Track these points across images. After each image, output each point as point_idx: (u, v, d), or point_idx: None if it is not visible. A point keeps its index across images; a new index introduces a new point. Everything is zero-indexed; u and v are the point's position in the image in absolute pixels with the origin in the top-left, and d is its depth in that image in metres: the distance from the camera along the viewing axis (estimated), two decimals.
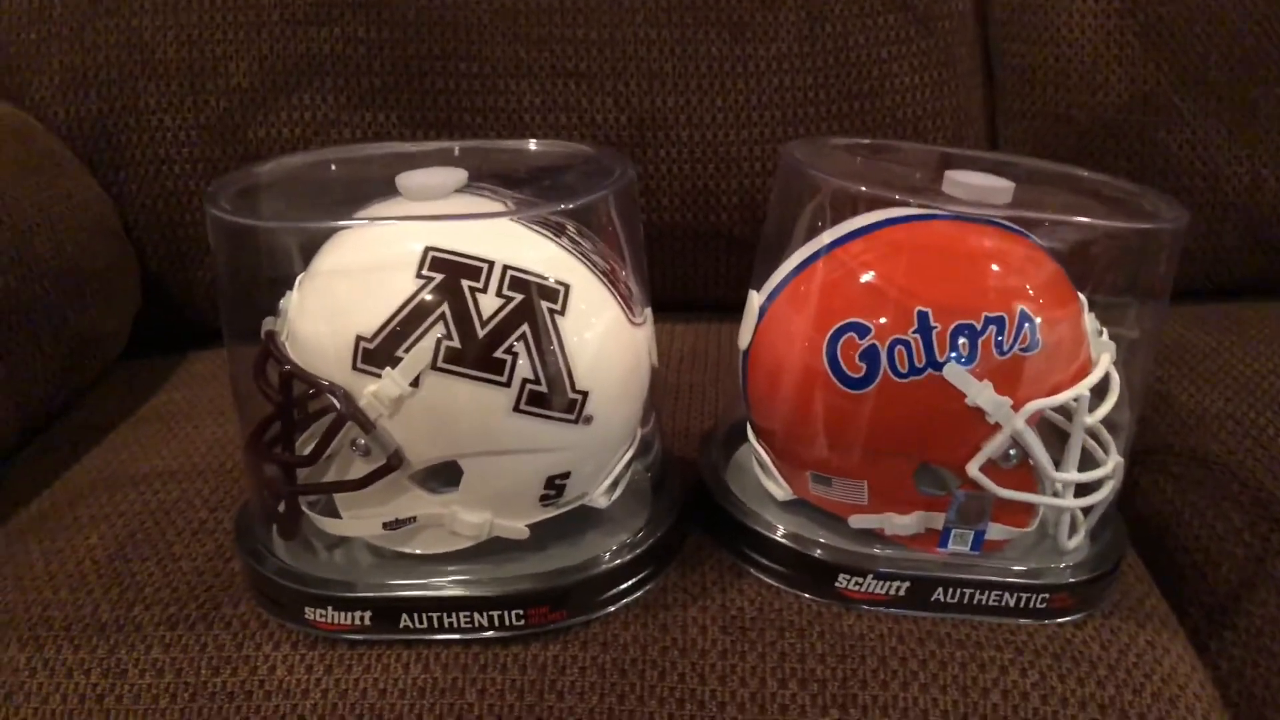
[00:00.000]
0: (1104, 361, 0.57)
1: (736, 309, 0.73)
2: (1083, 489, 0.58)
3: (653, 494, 0.63)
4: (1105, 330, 0.58)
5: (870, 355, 0.54)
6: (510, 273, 0.51)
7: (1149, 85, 0.95)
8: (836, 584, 0.57)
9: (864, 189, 0.58)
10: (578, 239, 0.55)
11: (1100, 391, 0.57)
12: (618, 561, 0.57)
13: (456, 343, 0.50)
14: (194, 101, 0.92)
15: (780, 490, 0.61)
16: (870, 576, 0.57)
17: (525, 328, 0.51)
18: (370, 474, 0.53)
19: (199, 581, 0.60)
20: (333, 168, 0.61)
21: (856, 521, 0.59)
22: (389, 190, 0.55)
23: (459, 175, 0.55)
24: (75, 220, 0.86)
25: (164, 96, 0.92)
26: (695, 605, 0.57)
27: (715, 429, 0.70)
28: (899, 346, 0.54)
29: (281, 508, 0.58)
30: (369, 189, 0.55)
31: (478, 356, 0.50)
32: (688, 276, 0.98)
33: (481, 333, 0.50)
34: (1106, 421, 0.58)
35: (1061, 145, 0.98)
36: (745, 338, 0.61)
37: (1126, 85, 0.96)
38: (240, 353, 0.58)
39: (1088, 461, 0.58)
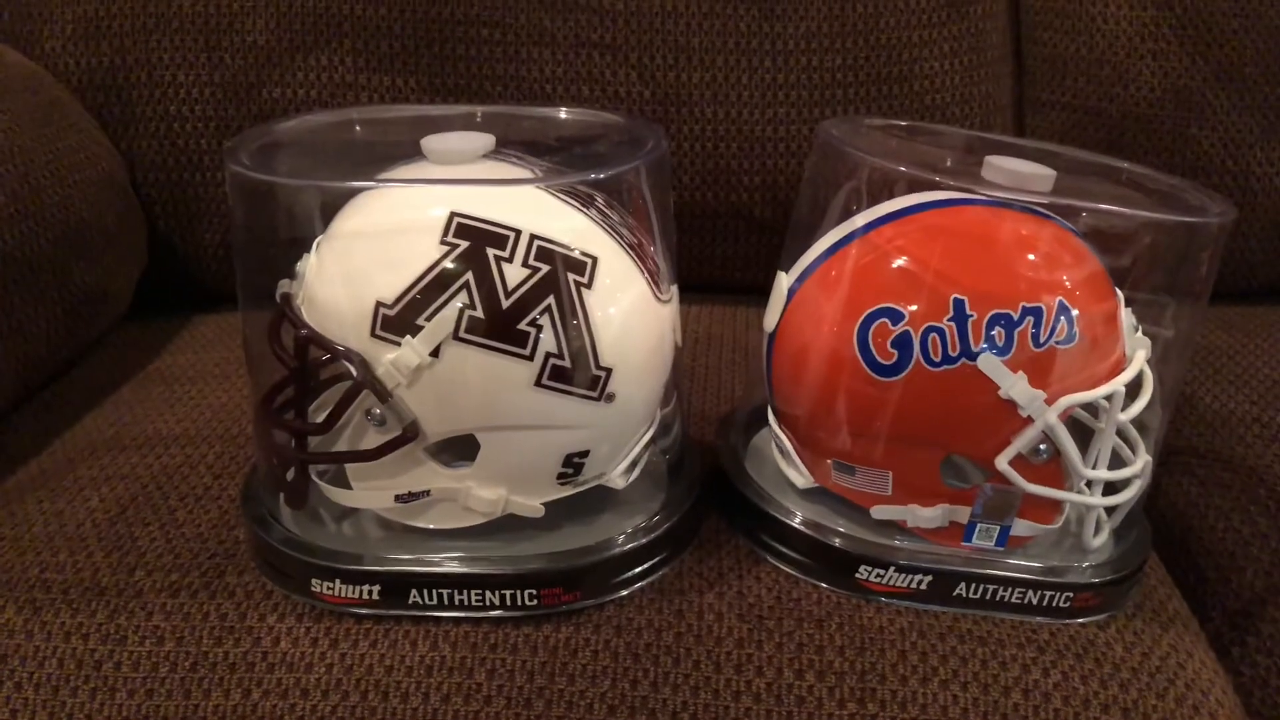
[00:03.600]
0: (1139, 358, 0.56)
1: (755, 291, 0.71)
2: (1109, 487, 0.57)
3: (670, 477, 0.61)
4: (1140, 327, 0.57)
5: (903, 342, 0.53)
6: (537, 242, 0.49)
7: (1183, 80, 0.93)
8: (857, 575, 0.56)
9: (903, 169, 0.56)
10: (606, 211, 0.53)
11: (1133, 389, 0.56)
12: (634, 544, 0.55)
13: (479, 313, 0.48)
14: (209, 58, 0.89)
15: (801, 478, 0.60)
16: (892, 569, 0.56)
17: (550, 300, 0.49)
18: (385, 444, 0.52)
19: (202, 549, 0.59)
20: (357, 128, 0.59)
21: (879, 512, 0.58)
22: (413, 153, 0.53)
23: (486, 140, 0.53)
24: (83, 175, 0.84)
25: (178, 52, 0.89)
26: (712, 591, 0.56)
27: (734, 412, 0.68)
28: (933, 334, 0.52)
29: (291, 476, 0.56)
30: (393, 151, 0.54)
31: (501, 328, 0.49)
32: (706, 257, 0.96)
33: (506, 303, 0.48)
34: (1135, 420, 0.57)
35: (1090, 137, 0.96)
36: (772, 320, 0.59)
37: (1160, 79, 0.94)
38: (255, 315, 0.56)
39: (1115, 460, 0.57)
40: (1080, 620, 0.56)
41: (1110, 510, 0.58)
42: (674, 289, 0.57)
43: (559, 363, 0.50)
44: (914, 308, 0.53)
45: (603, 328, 0.51)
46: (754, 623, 0.54)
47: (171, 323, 0.93)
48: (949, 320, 0.52)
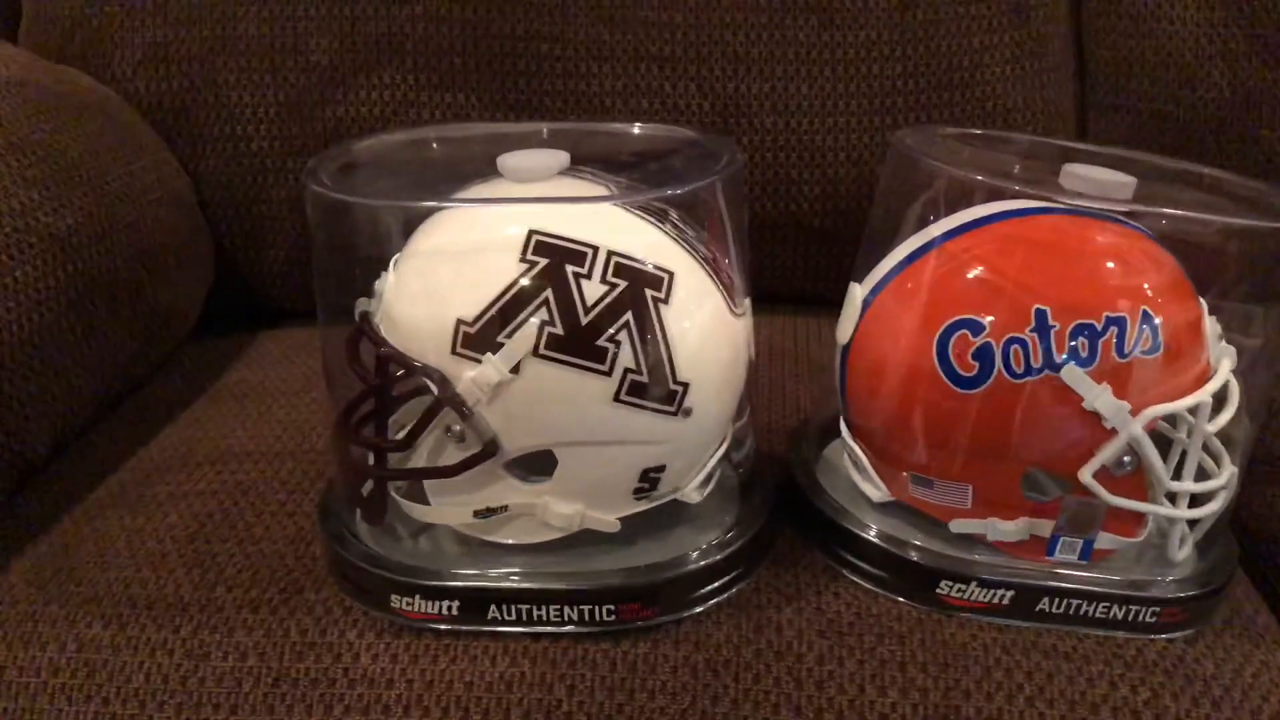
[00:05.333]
0: (1224, 368, 0.55)
1: (816, 302, 0.71)
2: (1194, 499, 0.56)
3: (742, 491, 0.61)
4: (1225, 336, 0.56)
5: (984, 354, 0.52)
6: (615, 259, 0.50)
7: (1252, 81, 0.91)
8: (938, 590, 0.55)
9: (980, 179, 0.55)
10: (681, 226, 0.53)
11: (1218, 399, 0.55)
12: (711, 559, 0.55)
13: (559, 329, 0.49)
14: (273, 79, 0.91)
15: (877, 491, 0.59)
16: (974, 583, 0.55)
17: (629, 315, 0.49)
18: (464, 461, 0.52)
19: (280, 564, 0.60)
20: (433, 146, 0.60)
21: (958, 526, 0.57)
22: (489, 170, 0.54)
23: (561, 157, 0.54)
24: (155, 196, 0.85)
25: (243, 74, 0.91)
26: (789, 607, 0.55)
27: (806, 425, 0.68)
28: (1015, 345, 0.52)
29: (368, 492, 0.57)
30: (468, 169, 0.54)
31: (580, 344, 0.49)
32: (767, 267, 0.96)
33: (585, 320, 0.49)
34: (1221, 432, 0.56)
35: (1156, 141, 0.95)
36: (846, 332, 0.59)
37: (1228, 81, 0.92)
38: (333, 332, 0.57)
39: (1199, 472, 0.56)
40: (1166, 636, 0.55)
41: (1194, 523, 0.57)
42: (748, 303, 0.57)
43: (637, 378, 0.50)
44: (995, 319, 0.52)
45: (679, 343, 0.51)
46: (834, 639, 0.54)
47: (238, 339, 0.94)
48: (1031, 331, 0.51)
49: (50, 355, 0.70)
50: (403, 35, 0.90)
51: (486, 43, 0.90)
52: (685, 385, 0.51)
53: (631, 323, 0.49)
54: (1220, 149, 0.93)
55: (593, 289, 0.49)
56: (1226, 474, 0.56)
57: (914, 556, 0.56)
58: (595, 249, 0.49)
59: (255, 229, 0.95)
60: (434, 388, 0.50)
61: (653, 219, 0.52)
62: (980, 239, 0.55)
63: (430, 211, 0.53)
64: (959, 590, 0.55)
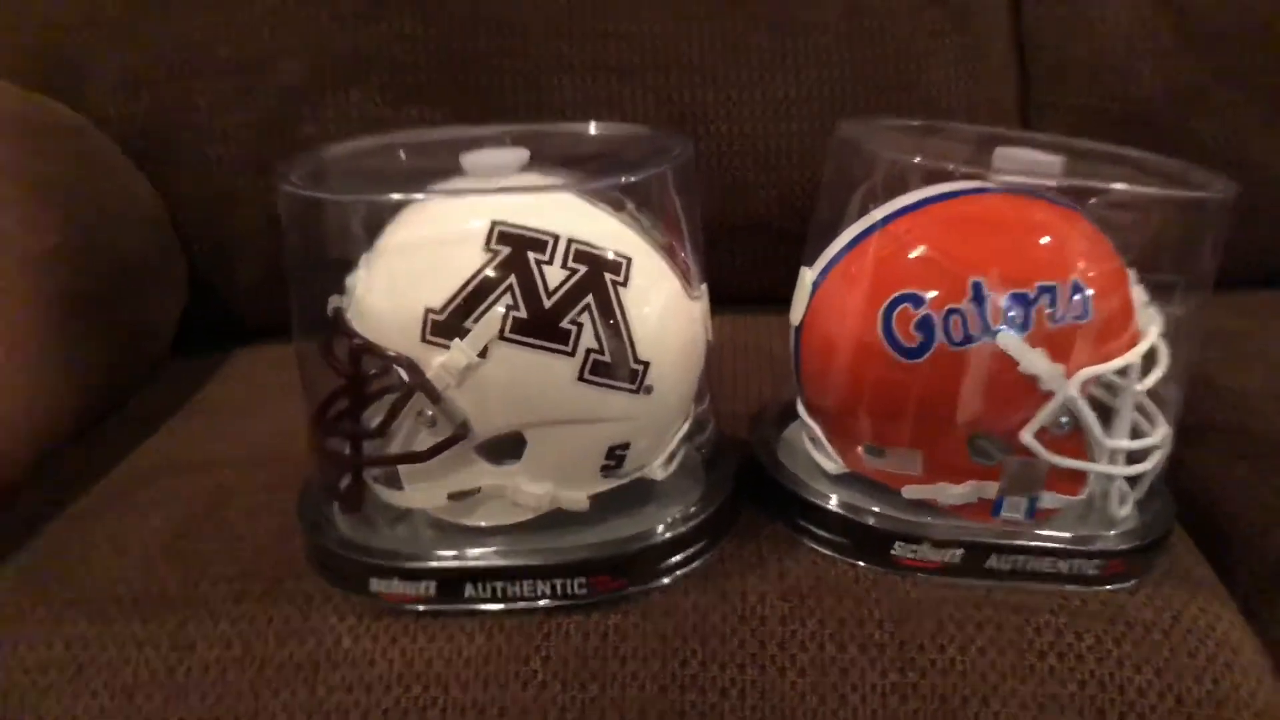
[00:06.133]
0: (1152, 332, 0.58)
1: (776, 300, 0.73)
2: (1132, 459, 0.59)
3: (706, 470, 0.64)
4: (1151, 303, 0.59)
5: (925, 325, 0.55)
6: (574, 245, 0.52)
7: (1183, 77, 0.96)
8: (892, 551, 0.58)
9: (917, 161, 0.59)
10: (636, 215, 0.56)
11: (1148, 362, 0.58)
12: (676, 531, 0.58)
13: (523, 313, 0.51)
14: (244, 100, 0.93)
15: (832, 464, 0.62)
16: (925, 544, 0.58)
17: (590, 298, 0.52)
18: (437, 445, 0.54)
19: (263, 558, 0.61)
20: (400, 150, 0.62)
21: (910, 492, 0.60)
22: (454, 171, 0.56)
23: (521, 154, 0.56)
24: (128, 217, 0.88)
25: (214, 95, 0.93)
26: (753, 574, 0.58)
27: (765, 410, 0.71)
28: (954, 316, 0.55)
29: (346, 481, 0.59)
30: (434, 169, 0.57)
31: (544, 326, 0.52)
32: (728, 269, 0.98)
33: (548, 303, 0.51)
34: (1153, 395, 0.59)
35: (1095, 136, 0.97)
36: (797, 314, 0.62)
37: (1161, 78, 0.97)
38: (307, 330, 0.59)
39: (1135, 433, 0.59)
40: (1109, 587, 0.58)
41: (1133, 482, 0.60)
42: (704, 287, 0.60)
43: (599, 358, 0.52)
44: (934, 293, 0.55)
45: (639, 324, 0.53)
46: (795, 601, 0.56)
47: (213, 357, 0.96)
48: (969, 302, 0.55)
49: (29, 376, 0.72)
50: (370, 54, 0.93)
51: (450, 59, 0.93)
52: (646, 364, 0.54)
53: (592, 305, 0.52)
54: (1155, 142, 0.95)
55: (554, 274, 0.52)
56: (1160, 433, 0.59)
57: (870, 521, 0.59)
58: (556, 237, 0.52)
59: (228, 248, 0.97)
60: (405, 375, 0.53)
61: (609, 209, 0.55)
62: (920, 219, 0.58)
63: (398, 208, 0.56)
64: (911, 551, 0.58)
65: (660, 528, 0.58)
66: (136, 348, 0.87)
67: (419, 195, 0.55)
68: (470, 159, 0.56)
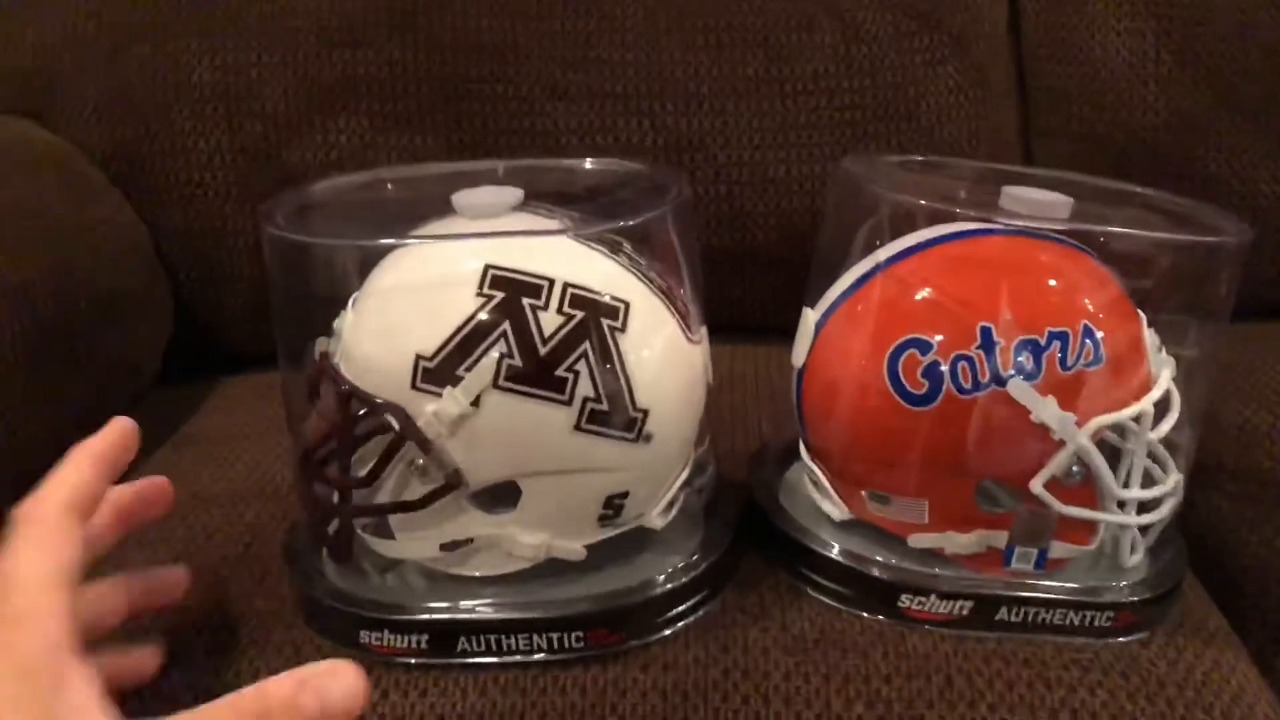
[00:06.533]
0: (1164, 377, 0.57)
1: (774, 331, 0.72)
2: (1143, 507, 0.57)
3: (705, 516, 0.62)
4: (1164, 347, 0.58)
5: (932, 372, 0.54)
6: (571, 290, 0.50)
7: (1185, 104, 0.95)
8: (899, 603, 0.56)
9: (923, 203, 0.57)
10: (634, 256, 0.54)
11: (1160, 409, 0.56)
12: (676, 582, 0.56)
13: (518, 361, 0.49)
14: (228, 126, 0.92)
15: (837, 510, 0.61)
16: (934, 595, 0.56)
17: (586, 345, 0.50)
18: (428, 494, 0.52)
19: (248, 607, 0.59)
20: (388, 186, 0.61)
21: (916, 541, 0.58)
22: (444, 209, 0.55)
23: (515, 194, 0.55)
24: (111, 245, 0.86)
25: (198, 122, 0.92)
26: (755, 626, 0.56)
27: (765, 449, 0.69)
28: (962, 363, 0.53)
29: (334, 530, 0.57)
30: (423, 208, 0.55)
31: (539, 374, 0.50)
32: (724, 299, 0.98)
33: (543, 350, 0.50)
34: (1164, 439, 0.57)
35: (1097, 165, 0.98)
36: (800, 355, 0.60)
37: (1163, 105, 0.96)
38: (294, 374, 0.57)
39: (1146, 479, 0.58)
40: (1121, 639, 0.57)
41: (1144, 529, 0.59)
42: (703, 330, 0.58)
43: (597, 406, 0.51)
44: (942, 337, 0.54)
45: (637, 370, 0.52)
46: (800, 655, 0.55)
47: (198, 387, 0.93)
48: (977, 348, 0.53)
49: (10, 408, 0.70)
50: (356, 79, 0.92)
51: (441, 85, 0.92)
52: (645, 412, 0.52)
53: (589, 352, 0.50)
54: (1158, 169, 0.97)
55: (550, 320, 0.50)
56: (1173, 480, 0.58)
57: (875, 572, 0.57)
58: (551, 281, 0.50)
59: (213, 276, 0.95)
60: (396, 423, 0.51)
61: (606, 250, 0.53)
62: (925, 261, 0.57)
63: (387, 250, 0.54)
64: (919, 603, 0.56)
65: (660, 578, 0.56)
66: (119, 379, 0.85)
67: (411, 240, 0.53)
68: (462, 198, 0.54)
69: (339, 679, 0.42)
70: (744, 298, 0.98)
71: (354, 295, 0.55)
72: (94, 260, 0.82)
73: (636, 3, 0.94)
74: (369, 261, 0.55)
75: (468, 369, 0.49)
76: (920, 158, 0.69)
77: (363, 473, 0.54)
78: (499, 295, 0.50)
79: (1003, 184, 0.59)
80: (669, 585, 0.56)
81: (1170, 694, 0.53)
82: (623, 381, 0.51)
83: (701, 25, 0.94)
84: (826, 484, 0.61)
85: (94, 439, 0.51)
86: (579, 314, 0.50)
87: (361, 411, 0.53)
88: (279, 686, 0.42)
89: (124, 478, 0.75)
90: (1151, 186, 0.64)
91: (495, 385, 0.49)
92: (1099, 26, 0.97)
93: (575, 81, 0.92)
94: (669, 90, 0.93)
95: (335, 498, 0.56)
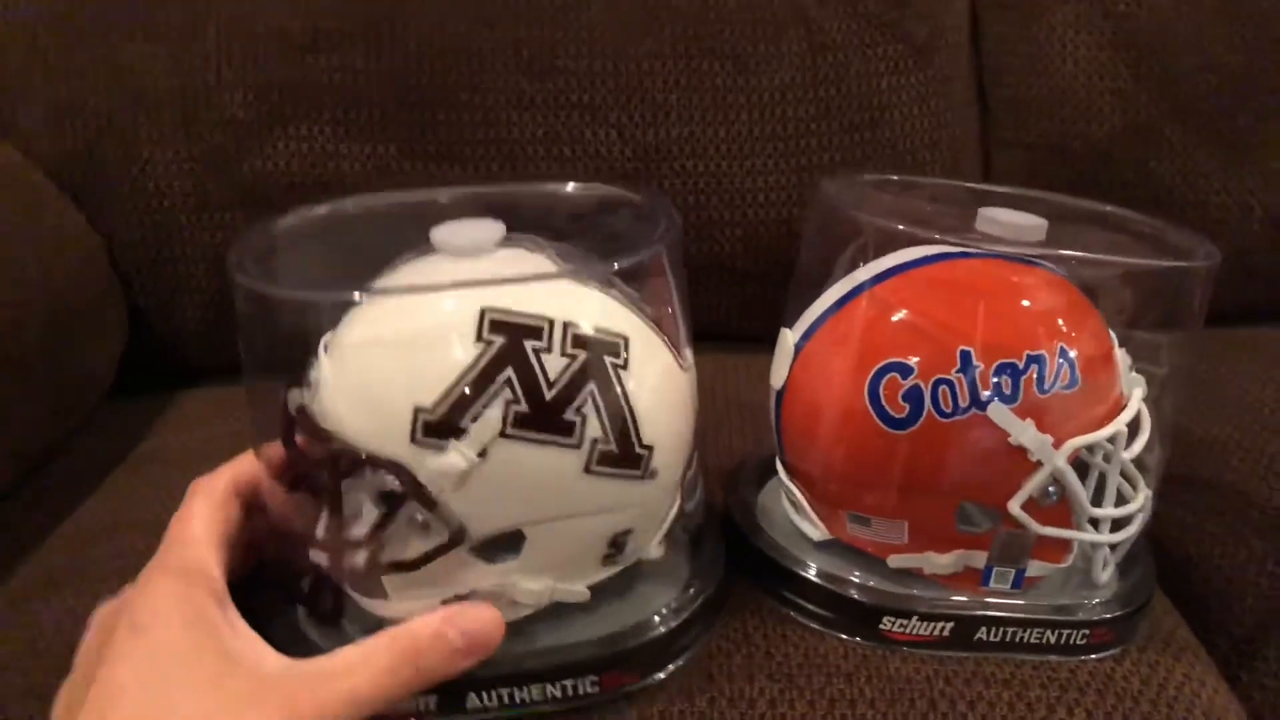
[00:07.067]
0: (1136, 397, 0.58)
1: (742, 339, 0.72)
2: (1115, 524, 0.58)
3: (693, 541, 0.60)
4: (1134, 366, 0.59)
5: (913, 395, 0.54)
6: (571, 329, 0.48)
7: (1141, 116, 0.97)
8: (880, 626, 0.57)
9: (902, 229, 0.57)
10: (624, 288, 0.53)
11: (1132, 427, 0.57)
12: (683, 615, 0.55)
13: (525, 407, 0.47)
14: (186, 133, 0.89)
15: (816, 531, 0.61)
16: (915, 618, 0.56)
17: (592, 385, 0.48)
18: (429, 552, 0.49)
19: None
20: (359, 219, 0.57)
21: (895, 561, 0.59)
22: (420, 241, 0.51)
23: (497, 228, 0.51)
24: (65, 258, 0.83)
25: (155, 128, 0.89)
26: (739, 653, 0.56)
27: (742, 467, 0.69)
28: (943, 386, 0.54)
29: (314, 588, 0.53)
30: (399, 242, 0.52)
31: (548, 419, 0.47)
32: (693, 308, 0.97)
33: (549, 394, 0.47)
34: (1135, 458, 0.58)
35: (1055, 174, 1.00)
36: (779, 377, 0.60)
37: (1119, 116, 0.97)
38: (266, 426, 0.53)
39: (1118, 497, 0.59)
40: (1095, 656, 0.58)
41: (1114, 546, 0.60)
42: (690, 355, 0.57)
43: (605, 447, 0.49)
44: (922, 361, 0.54)
45: (640, 406, 0.50)
46: (784, 682, 0.55)
47: (154, 401, 0.91)
48: (956, 372, 0.53)
49: None
50: (319, 86, 0.90)
51: (405, 93, 0.90)
52: (650, 448, 0.51)
53: (595, 392, 0.48)
54: (1114, 179, 0.98)
55: (554, 362, 0.47)
56: (1142, 497, 0.59)
57: (856, 595, 0.58)
58: (551, 321, 0.48)
59: (170, 286, 0.92)
60: (398, 483, 0.48)
61: (598, 284, 0.52)
62: (904, 284, 0.57)
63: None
64: (900, 625, 0.57)
65: (665, 613, 0.55)
66: (74, 395, 0.83)
67: (398, 289, 0.50)
68: (443, 235, 0.50)
69: (478, 615, 0.48)
70: (711, 307, 0.98)
71: (325, 339, 0.51)
72: (47, 274, 0.79)
73: (604, 12, 0.93)
74: (345, 306, 0.51)
75: (473, 419, 0.46)
76: (896, 177, 0.69)
77: (357, 533, 0.50)
78: (499, 340, 0.47)
79: (978, 203, 0.59)
80: (676, 620, 0.54)
81: (1145, 709, 0.54)
82: (629, 419, 0.50)
83: (669, 35, 0.93)
84: (805, 505, 0.61)
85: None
86: (582, 353, 0.48)
87: (352, 469, 0.49)
88: (425, 624, 0.47)
89: (80, 503, 0.74)
90: (1106, 196, 0.65)
91: (503, 434, 0.47)
92: (1058, 39, 0.99)
93: (541, 91, 0.91)
94: (635, 100, 0.93)
95: (325, 560, 0.52)
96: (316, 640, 0.53)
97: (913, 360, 0.54)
